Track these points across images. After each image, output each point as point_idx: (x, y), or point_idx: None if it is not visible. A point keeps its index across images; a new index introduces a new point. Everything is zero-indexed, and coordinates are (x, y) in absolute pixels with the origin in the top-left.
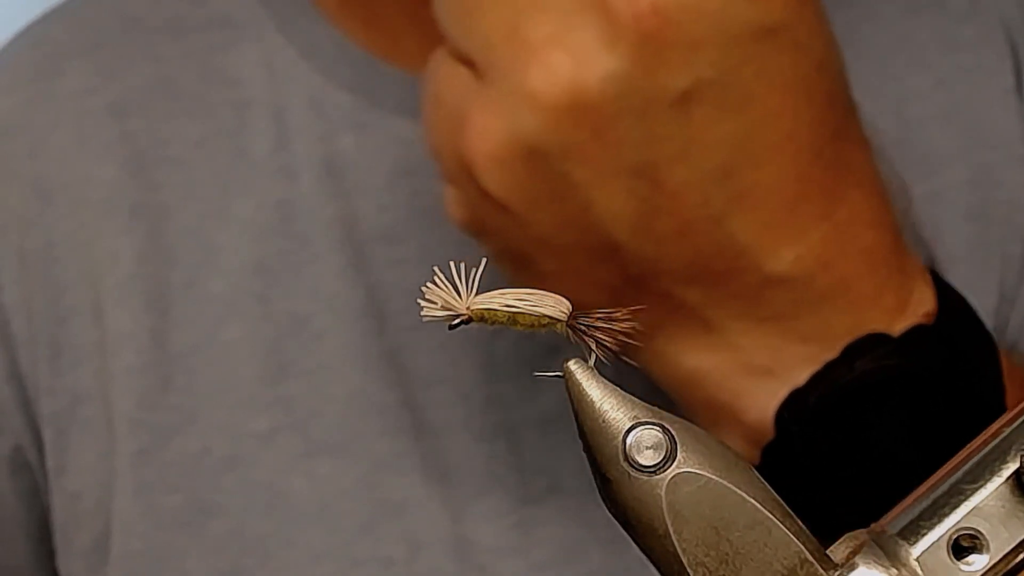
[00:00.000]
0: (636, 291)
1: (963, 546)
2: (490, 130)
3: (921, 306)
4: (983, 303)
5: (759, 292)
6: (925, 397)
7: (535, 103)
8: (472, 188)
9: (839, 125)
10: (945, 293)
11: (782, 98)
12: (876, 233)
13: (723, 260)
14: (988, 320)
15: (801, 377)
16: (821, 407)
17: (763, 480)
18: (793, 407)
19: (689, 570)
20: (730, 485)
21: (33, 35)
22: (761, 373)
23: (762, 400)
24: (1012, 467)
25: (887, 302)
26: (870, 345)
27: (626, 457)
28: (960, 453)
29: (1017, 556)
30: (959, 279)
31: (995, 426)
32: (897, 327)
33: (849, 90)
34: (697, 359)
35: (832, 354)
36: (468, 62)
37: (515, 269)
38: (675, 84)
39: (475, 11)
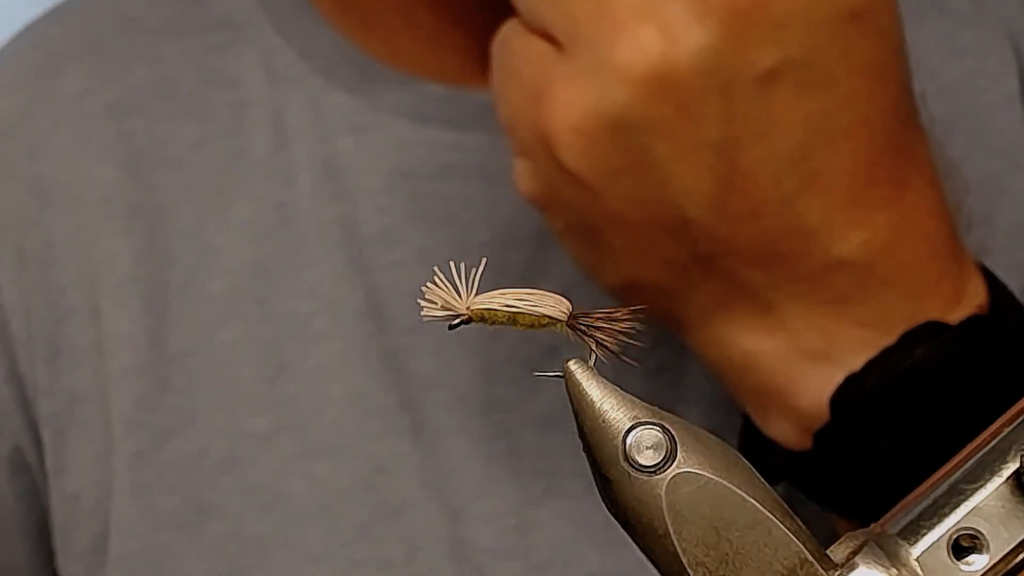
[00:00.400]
0: (701, 270)
1: (963, 546)
2: (574, 102)
3: (975, 297)
4: None
5: (822, 275)
6: (980, 386)
7: (623, 76)
8: (547, 160)
9: (907, 113)
10: (995, 285)
11: (861, 82)
12: (936, 221)
13: (791, 242)
14: None
15: (857, 362)
16: (878, 392)
17: (763, 480)
18: (850, 392)
19: (689, 570)
20: (730, 485)
21: (33, 35)
22: (817, 357)
23: (816, 384)
24: (1012, 467)
25: (945, 291)
26: (928, 333)
27: (626, 457)
28: (960, 453)
29: (1017, 556)
30: None
31: (995, 426)
32: (953, 316)
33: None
34: (754, 342)
35: (889, 340)
36: (547, 35)
37: (582, 244)
38: (761, 62)
39: None
